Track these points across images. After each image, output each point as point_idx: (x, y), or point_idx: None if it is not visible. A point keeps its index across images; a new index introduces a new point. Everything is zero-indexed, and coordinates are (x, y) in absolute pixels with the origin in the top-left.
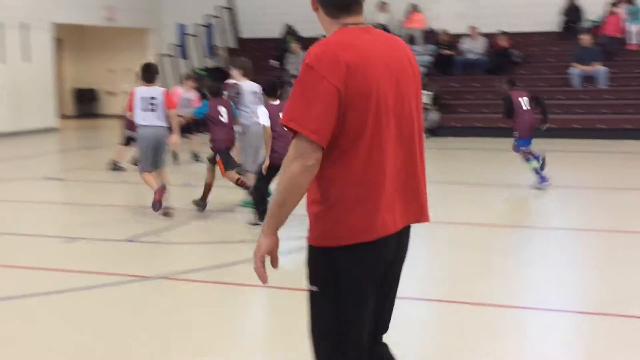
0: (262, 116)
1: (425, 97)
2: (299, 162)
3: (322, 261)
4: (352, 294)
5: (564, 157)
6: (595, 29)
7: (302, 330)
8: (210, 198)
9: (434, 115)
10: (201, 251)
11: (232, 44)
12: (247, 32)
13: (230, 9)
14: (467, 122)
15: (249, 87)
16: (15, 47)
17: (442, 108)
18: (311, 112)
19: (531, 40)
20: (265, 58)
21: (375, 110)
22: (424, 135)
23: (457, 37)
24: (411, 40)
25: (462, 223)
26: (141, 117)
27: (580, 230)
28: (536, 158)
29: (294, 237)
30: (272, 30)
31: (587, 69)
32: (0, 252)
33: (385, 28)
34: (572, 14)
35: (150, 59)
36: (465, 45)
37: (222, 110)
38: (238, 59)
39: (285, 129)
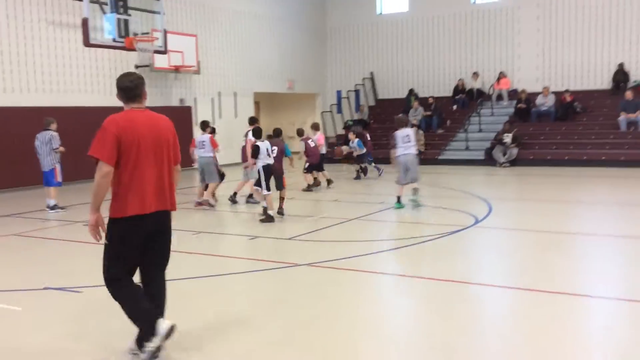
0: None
1: (507, 137)
2: (101, 173)
3: (111, 226)
4: (121, 246)
5: (614, 181)
6: (638, 87)
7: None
8: (349, 211)
9: (514, 151)
10: (336, 246)
11: (372, 102)
12: (382, 94)
13: (371, 79)
14: (539, 155)
15: (402, 132)
16: (228, 107)
17: (520, 145)
18: (104, 149)
19: (590, 96)
20: (395, 112)
21: (137, 150)
22: (174, 163)
23: (534, 94)
24: (499, 97)
25: (529, 230)
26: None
27: (622, 236)
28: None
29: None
30: (399, 93)
31: (631, 116)
32: (211, 246)
33: (479, 90)
34: (621, 76)
35: (317, 115)
36: (539, 100)
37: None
38: (398, 116)
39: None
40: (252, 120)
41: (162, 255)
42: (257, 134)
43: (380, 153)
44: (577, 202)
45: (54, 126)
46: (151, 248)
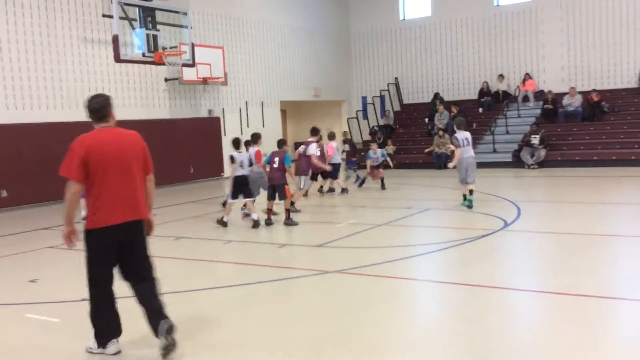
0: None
1: (534, 139)
2: (71, 190)
3: (86, 237)
4: (96, 254)
5: None
6: None
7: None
8: (376, 216)
9: (542, 152)
10: (365, 253)
11: (397, 108)
12: (407, 99)
13: (395, 84)
14: (568, 156)
15: (462, 135)
16: (256, 117)
17: (548, 147)
18: (72, 168)
19: (617, 95)
20: (421, 117)
21: (104, 166)
22: (145, 174)
23: (560, 94)
24: (525, 99)
25: (559, 232)
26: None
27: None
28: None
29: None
30: (424, 97)
31: None
32: (241, 254)
33: (504, 92)
34: None
35: (343, 121)
36: (566, 100)
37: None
38: (457, 119)
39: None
40: (255, 137)
41: (138, 261)
42: (235, 144)
43: (406, 158)
44: (607, 204)
45: None
46: (127, 255)
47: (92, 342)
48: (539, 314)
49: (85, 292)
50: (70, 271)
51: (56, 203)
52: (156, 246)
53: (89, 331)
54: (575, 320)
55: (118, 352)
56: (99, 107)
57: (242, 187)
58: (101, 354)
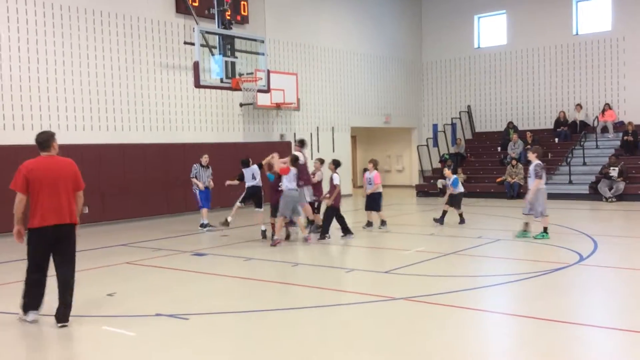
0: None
1: (613, 171)
2: (17, 199)
3: (28, 234)
4: (34, 247)
5: None
6: None
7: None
8: (445, 245)
9: (621, 185)
10: (433, 281)
11: (469, 136)
12: (480, 127)
13: (468, 112)
14: None
15: (538, 163)
16: (326, 142)
17: (628, 179)
18: (18, 184)
19: None
20: (493, 145)
21: (39, 183)
22: (76, 192)
23: None
24: (604, 129)
25: (637, 269)
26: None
27: None
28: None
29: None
30: (497, 126)
31: None
32: (309, 277)
33: (582, 122)
34: None
35: (413, 148)
36: None
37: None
38: (534, 146)
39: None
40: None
41: (63, 255)
42: (244, 163)
43: (477, 187)
44: None
45: (201, 160)
46: (56, 250)
47: (20, 311)
48: (613, 351)
49: (158, 307)
50: (145, 286)
51: (132, 221)
52: (227, 266)
53: (165, 345)
54: None
55: (35, 320)
56: (42, 140)
57: (251, 196)
58: (24, 322)
